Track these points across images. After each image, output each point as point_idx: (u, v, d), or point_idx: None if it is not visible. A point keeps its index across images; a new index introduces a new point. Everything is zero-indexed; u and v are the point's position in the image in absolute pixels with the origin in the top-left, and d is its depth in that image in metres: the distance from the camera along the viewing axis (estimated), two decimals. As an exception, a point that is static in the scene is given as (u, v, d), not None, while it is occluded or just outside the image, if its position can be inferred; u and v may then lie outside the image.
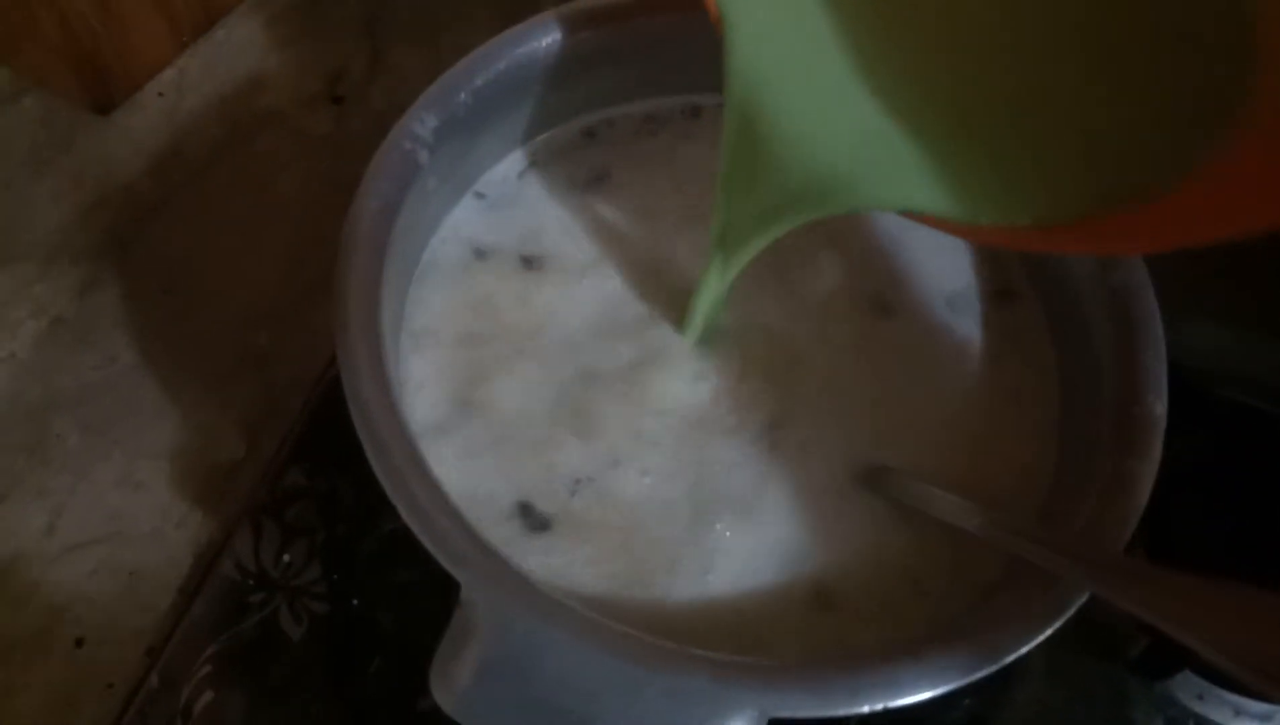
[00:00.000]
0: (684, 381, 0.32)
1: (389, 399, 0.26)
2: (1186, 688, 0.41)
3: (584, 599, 0.28)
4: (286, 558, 0.41)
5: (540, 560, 0.29)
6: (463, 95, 0.31)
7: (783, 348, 0.33)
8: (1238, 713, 0.41)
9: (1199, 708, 0.41)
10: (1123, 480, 0.28)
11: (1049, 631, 0.26)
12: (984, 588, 0.29)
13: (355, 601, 0.40)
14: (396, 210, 0.28)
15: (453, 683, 0.24)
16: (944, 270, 0.35)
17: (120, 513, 0.42)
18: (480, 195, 0.34)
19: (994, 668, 0.25)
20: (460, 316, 0.32)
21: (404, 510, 0.25)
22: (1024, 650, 0.26)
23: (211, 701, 0.38)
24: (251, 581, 0.40)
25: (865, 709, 0.24)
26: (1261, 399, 0.47)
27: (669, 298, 0.34)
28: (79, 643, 0.39)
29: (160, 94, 0.54)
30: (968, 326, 0.35)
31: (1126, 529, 0.28)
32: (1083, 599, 0.26)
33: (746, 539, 0.30)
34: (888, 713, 0.37)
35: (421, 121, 0.30)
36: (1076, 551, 0.27)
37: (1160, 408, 0.29)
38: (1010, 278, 0.36)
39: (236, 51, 0.56)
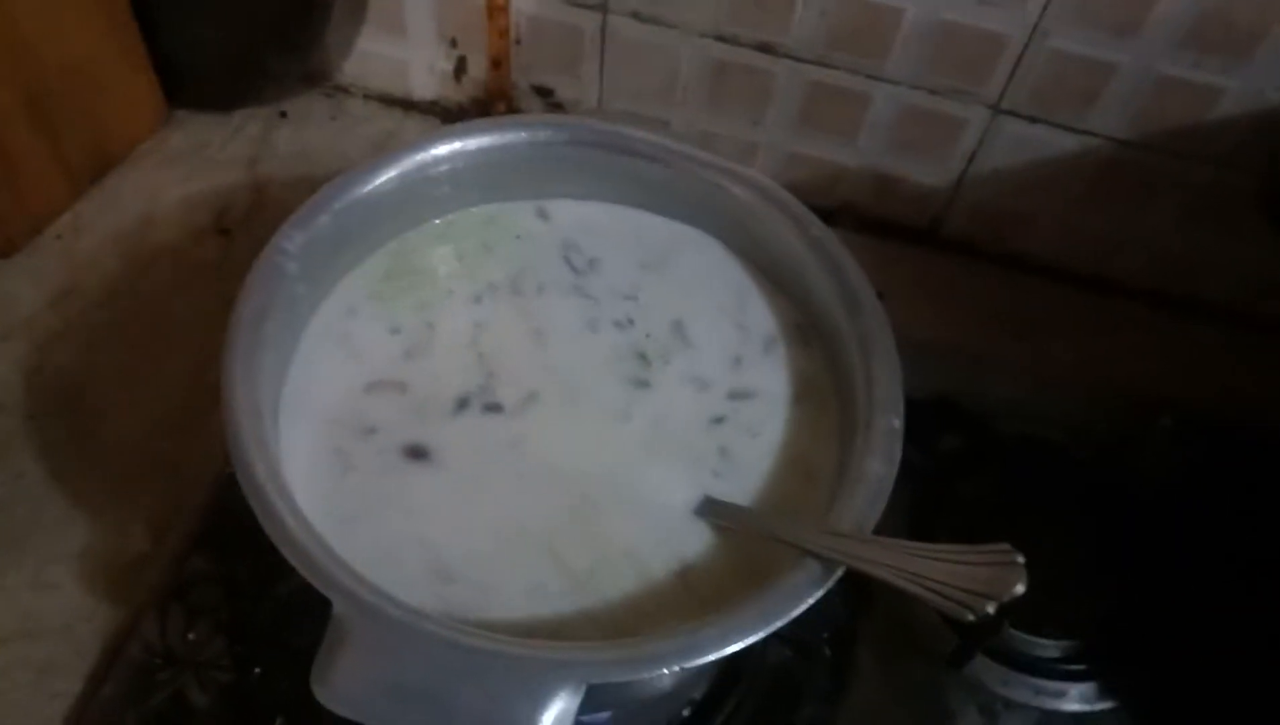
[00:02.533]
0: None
1: (268, 458, 0.32)
2: (992, 675, 0.48)
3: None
4: (192, 636, 0.45)
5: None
6: (323, 216, 0.38)
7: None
8: (1037, 693, 0.48)
9: (1004, 691, 0.48)
10: (871, 480, 0.36)
11: (812, 600, 0.32)
12: (778, 575, 0.35)
13: (257, 669, 0.44)
14: (268, 310, 0.35)
15: (331, 682, 0.29)
16: (759, 328, 0.44)
17: (32, 613, 0.45)
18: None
19: (770, 630, 0.32)
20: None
21: (282, 547, 0.30)
22: (794, 614, 0.32)
23: (124, 774, 0.41)
24: (159, 660, 0.44)
25: (665, 670, 0.30)
26: (1042, 428, 0.56)
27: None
28: (-5, 734, 0.42)
29: (59, 236, 0.59)
30: (778, 375, 0.43)
31: (873, 517, 0.35)
32: (839, 573, 0.33)
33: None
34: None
35: (290, 239, 0.37)
36: (837, 538, 0.34)
37: (897, 423, 0.37)
38: (805, 334, 0.44)
39: (129, 194, 0.62)
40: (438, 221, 0.44)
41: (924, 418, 0.54)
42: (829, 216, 0.44)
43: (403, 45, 0.66)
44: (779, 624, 0.32)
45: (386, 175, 0.40)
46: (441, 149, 0.42)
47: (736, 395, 0.42)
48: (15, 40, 0.54)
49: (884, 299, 0.41)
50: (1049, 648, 0.49)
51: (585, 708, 0.35)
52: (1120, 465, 0.55)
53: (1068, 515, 0.53)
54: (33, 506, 0.48)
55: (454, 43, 0.65)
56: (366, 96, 0.70)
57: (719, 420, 0.41)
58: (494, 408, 0.40)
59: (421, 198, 0.43)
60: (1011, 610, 0.39)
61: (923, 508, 0.52)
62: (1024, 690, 0.48)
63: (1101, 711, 0.48)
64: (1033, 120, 0.58)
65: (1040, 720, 0.47)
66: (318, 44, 0.66)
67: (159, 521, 0.48)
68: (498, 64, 0.64)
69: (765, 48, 0.58)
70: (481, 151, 0.43)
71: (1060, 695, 0.48)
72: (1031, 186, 0.62)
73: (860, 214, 0.66)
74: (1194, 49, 0.52)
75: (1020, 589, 0.29)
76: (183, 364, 0.54)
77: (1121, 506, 0.53)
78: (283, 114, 0.68)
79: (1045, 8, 0.52)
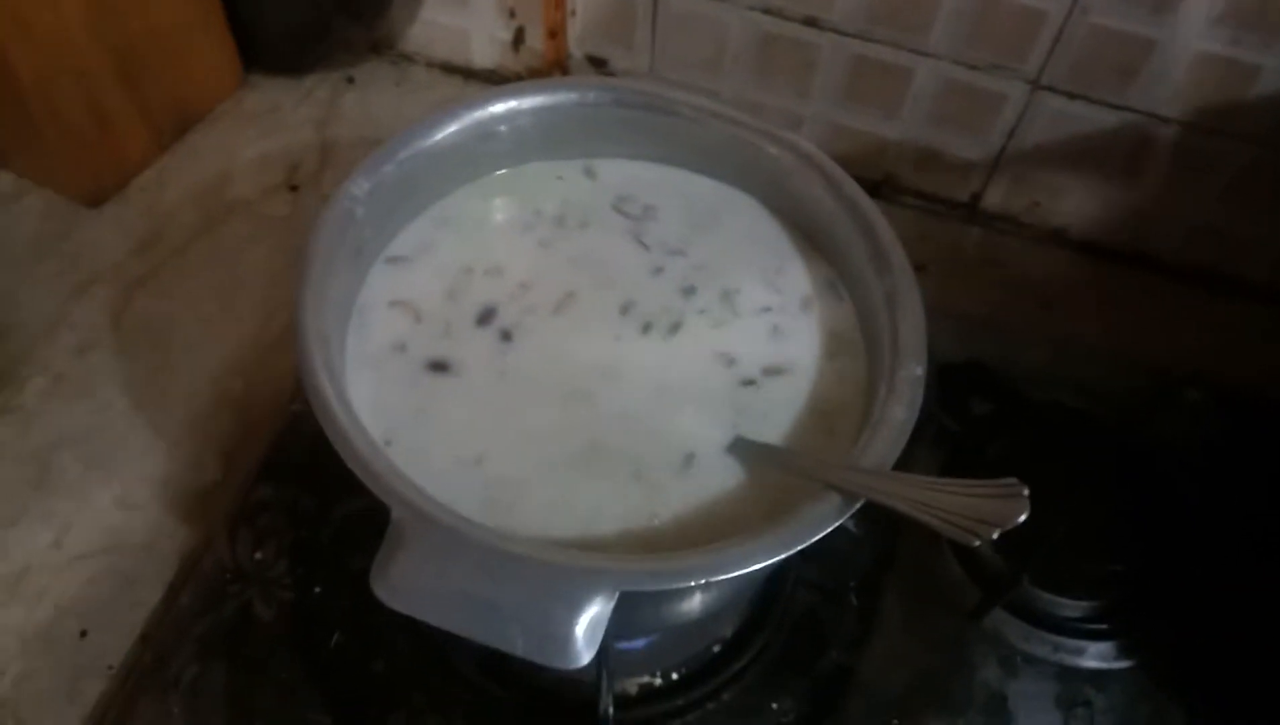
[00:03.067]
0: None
1: (335, 380, 0.35)
2: (1013, 630, 0.50)
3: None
4: (259, 555, 0.49)
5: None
6: (388, 166, 0.41)
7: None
8: (1056, 649, 0.50)
9: (1024, 646, 0.50)
10: (893, 423, 0.38)
11: (831, 527, 0.35)
12: (800, 506, 0.38)
13: (317, 589, 0.48)
14: (337, 248, 0.38)
15: (388, 580, 0.32)
16: (796, 289, 0.46)
17: (117, 529, 0.50)
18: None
19: (792, 552, 0.34)
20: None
21: (349, 461, 0.33)
22: (815, 539, 0.34)
23: (198, 674, 0.45)
24: (229, 575, 0.48)
25: (692, 583, 0.33)
26: (1072, 397, 0.57)
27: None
28: (83, 634, 0.46)
29: (144, 189, 0.64)
30: (811, 338, 0.44)
31: (892, 457, 0.37)
32: (858, 505, 0.35)
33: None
34: (772, 666, 0.46)
35: (358, 185, 0.40)
36: (858, 473, 0.36)
37: (920, 370, 0.39)
38: (837, 290, 0.46)
39: (208, 151, 0.66)
40: (494, 174, 0.47)
41: (957, 384, 0.56)
42: (874, 189, 0.46)
43: (464, 15, 0.69)
44: (800, 547, 0.34)
45: (447, 130, 0.44)
46: (498, 107, 0.45)
47: (770, 371, 0.44)
48: (108, 6, 0.58)
49: (925, 271, 0.43)
50: (1070, 607, 0.51)
51: (621, 631, 0.38)
52: (1146, 434, 0.56)
53: (1093, 480, 0.55)
54: (118, 435, 0.53)
55: (512, 14, 0.68)
56: (429, 64, 0.74)
57: (749, 383, 0.43)
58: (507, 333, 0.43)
59: (479, 152, 0.46)
60: (1032, 567, 0.40)
61: (953, 470, 0.54)
62: (1044, 646, 0.49)
63: (1119, 670, 0.49)
64: (1072, 96, 0.59)
65: (1059, 675, 0.49)
66: (384, 14, 0.69)
67: (230, 452, 0.52)
68: (554, 34, 0.67)
69: (810, 21, 0.60)
70: (534, 110, 0.46)
71: (1079, 653, 0.49)
72: (1070, 162, 0.63)
73: (903, 186, 0.68)
74: (1232, 25, 0.53)
75: (1022, 518, 0.31)
76: (254, 309, 0.58)
77: (1145, 474, 0.54)
78: (350, 79, 0.72)
79: (1085, -17, 0.54)
